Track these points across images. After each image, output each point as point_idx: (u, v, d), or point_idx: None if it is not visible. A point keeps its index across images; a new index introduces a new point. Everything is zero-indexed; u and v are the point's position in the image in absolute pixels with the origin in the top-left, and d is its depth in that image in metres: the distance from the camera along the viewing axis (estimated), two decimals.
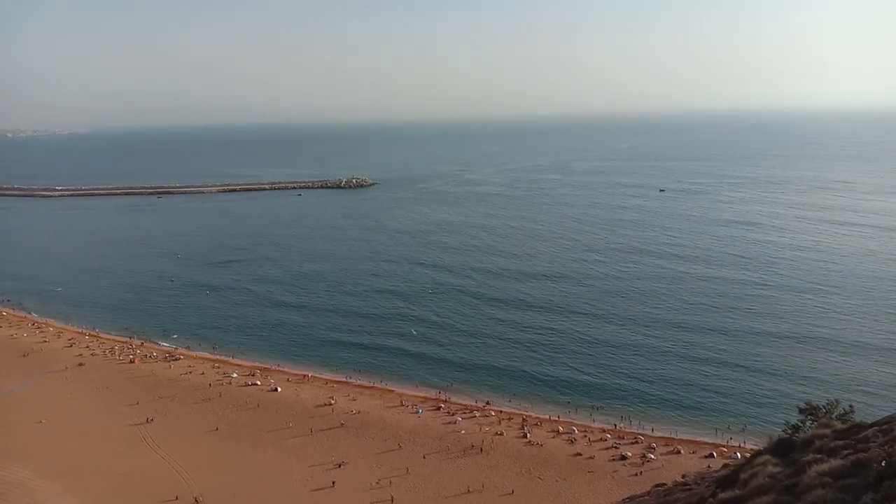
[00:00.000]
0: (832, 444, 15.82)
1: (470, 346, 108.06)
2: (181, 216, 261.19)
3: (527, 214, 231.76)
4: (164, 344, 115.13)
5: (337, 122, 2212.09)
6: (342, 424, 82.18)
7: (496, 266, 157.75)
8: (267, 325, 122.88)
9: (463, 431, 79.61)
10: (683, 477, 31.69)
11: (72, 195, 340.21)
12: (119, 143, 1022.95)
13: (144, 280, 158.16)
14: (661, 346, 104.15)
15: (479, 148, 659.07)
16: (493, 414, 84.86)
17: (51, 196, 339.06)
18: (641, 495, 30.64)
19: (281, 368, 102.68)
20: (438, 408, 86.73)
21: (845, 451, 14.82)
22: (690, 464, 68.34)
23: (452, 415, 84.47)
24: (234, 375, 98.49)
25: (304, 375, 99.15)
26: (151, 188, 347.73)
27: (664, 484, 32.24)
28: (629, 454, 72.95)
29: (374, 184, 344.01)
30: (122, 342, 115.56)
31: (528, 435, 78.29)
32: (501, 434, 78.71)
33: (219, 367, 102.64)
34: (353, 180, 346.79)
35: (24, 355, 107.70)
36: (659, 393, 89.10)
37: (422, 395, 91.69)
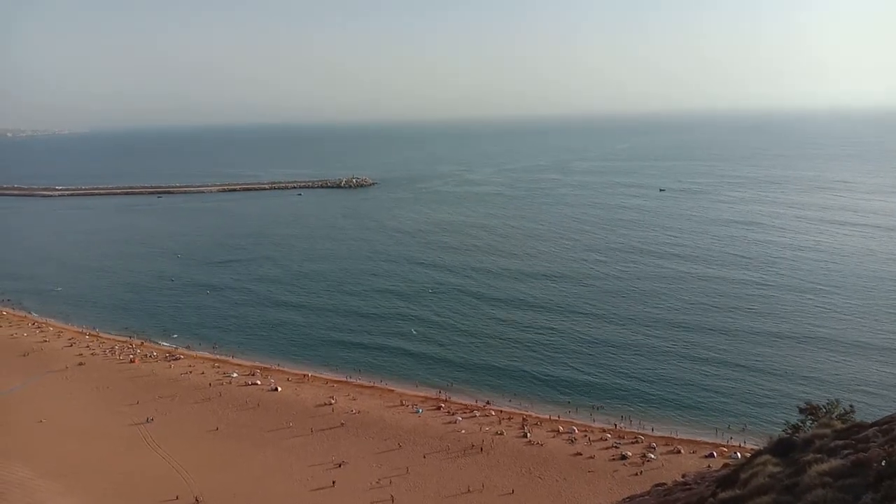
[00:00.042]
0: (832, 444, 15.83)
1: (470, 346, 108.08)
2: (181, 216, 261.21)
3: (527, 214, 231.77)
4: (165, 343, 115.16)
5: (337, 122, 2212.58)
6: (342, 424, 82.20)
7: (496, 266, 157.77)
8: (267, 325, 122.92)
9: (463, 431, 79.63)
10: (683, 476, 31.71)
11: (72, 195, 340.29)
12: (119, 143, 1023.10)
13: (144, 280, 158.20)
14: (662, 345, 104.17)
15: (478, 148, 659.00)
16: (493, 413, 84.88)
17: (51, 196, 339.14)
18: (641, 495, 30.66)
19: (281, 368, 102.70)
20: (438, 407, 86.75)
21: (845, 451, 14.83)
22: (690, 463, 68.37)
23: (453, 414, 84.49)
24: (235, 375, 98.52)
25: (305, 375, 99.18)
26: (151, 188, 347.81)
27: (664, 484, 32.26)
28: (629, 454, 72.97)
29: (374, 184, 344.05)
30: (123, 342, 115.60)
31: (529, 434, 78.31)
32: (502, 434, 78.74)
33: (219, 367, 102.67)
34: (354, 180, 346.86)
35: (24, 355, 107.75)
36: (659, 393, 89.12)
37: (422, 394, 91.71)
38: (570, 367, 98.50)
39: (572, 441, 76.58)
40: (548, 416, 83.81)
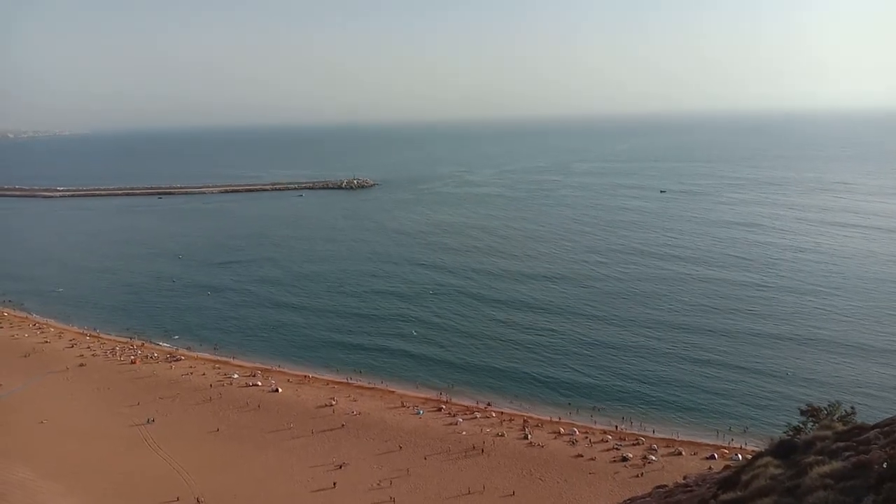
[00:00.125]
0: (833, 446, 15.87)
1: (471, 348, 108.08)
2: (182, 217, 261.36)
3: (527, 216, 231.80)
4: (165, 345, 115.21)
5: (337, 122, 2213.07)
6: (343, 425, 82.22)
7: (497, 267, 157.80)
8: (268, 326, 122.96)
9: (464, 433, 79.63)
10: (685, 478, 31.74)
11: (73, 196, 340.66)
12: (120, 144, 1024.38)
13: (145, 281, 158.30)
14: (663, 347, 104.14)
15: (478, 149, 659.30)
16: (494, 415, 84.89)
17: (52, 197, 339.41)
18: (642, 497, 30.68)
19: (282, 369, 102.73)
20: (439, 409, 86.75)
21: (847, 453, 14.87)
22: (692, 465, 68.36)
23: (453, 416, 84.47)
24: (235, 376, 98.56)
25: (305, 376, 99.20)
26: (152, 189, 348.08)
27: (665, 485, 32.28)
28: (630, 455, 72.96)
29: (374, 185, 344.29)
30: (123, 343, 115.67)
31: (530, 436, 78.31)
32: (502, 435, 78.73)
33: (220, 368, 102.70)
34: (355, 181, 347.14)
35: (25, 356, 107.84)
36: (660, 394, 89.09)
37: (423, 396, 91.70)
38: (571, 368, 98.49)
39: (573, 443, 76.57)
40: (549, 418, 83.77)
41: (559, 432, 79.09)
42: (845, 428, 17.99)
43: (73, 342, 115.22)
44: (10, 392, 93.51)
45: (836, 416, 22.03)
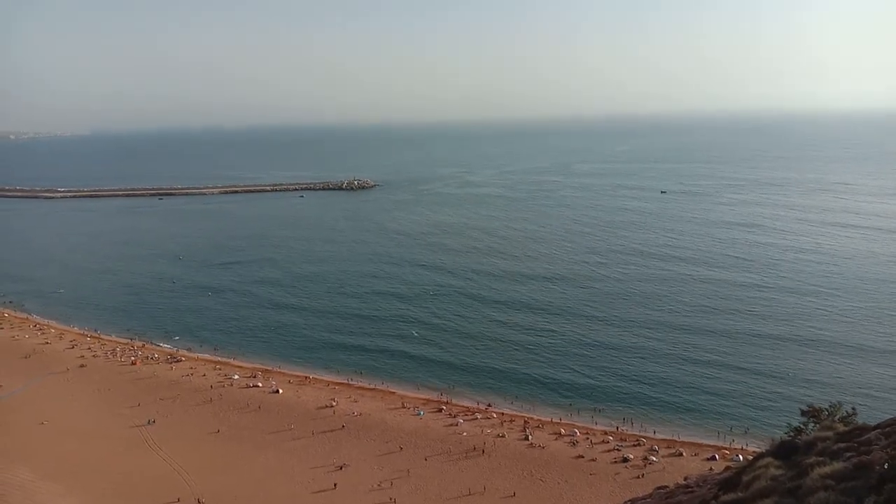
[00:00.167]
0: (835, 447, 15.87)
1: (471, 349, 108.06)
2: (182, 218, 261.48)
3: (528, 216, 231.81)
4: (166, 346, 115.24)
5: (337, 123, 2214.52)
6: (343, 426, 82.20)
7: (497, 268, 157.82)
8: (268, 327, 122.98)
9: (464, 433, 79.60)
10: (685, 479, 31.73)
11: (74, 197, 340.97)
12: (120, 145, 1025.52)
13: (146, 282, 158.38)
14: (663, 348, 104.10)
15: (479, 150, 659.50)
16: (494, 416, 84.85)
17: (53, 198, 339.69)
18: (643, 497, 30.66)
19: (282, 370, 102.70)
20: (440, 410, 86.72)
21: (848, 454, 14.87)
22: (693, 466, 68.27)
23: (454, 417, 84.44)
24: (236, 377, 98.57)
25: (306, 377, 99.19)
26: (153, 190, 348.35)
27: (666, 486, 32.28)
28: (631, 456, 72.91)
29: (375, 185, 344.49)
30: (124, 344, 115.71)
31: (530, 437, 78.26)
32: (503, 436, 78.69)
33: (220, 369, 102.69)
34: (355, 182, 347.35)
35: (25, 357, 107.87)
36: (661, 395, 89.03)
37: (423, 397, 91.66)
38: (572, 369, 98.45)
39: (574, 444, 76.51)
40: (549, 419, 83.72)
41: (560, 433, 79.05)
42: (846, 429, 17.99)
43: (73, 343, 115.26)
44: (10, 393, 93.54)
45: (837, 416, 22.04)
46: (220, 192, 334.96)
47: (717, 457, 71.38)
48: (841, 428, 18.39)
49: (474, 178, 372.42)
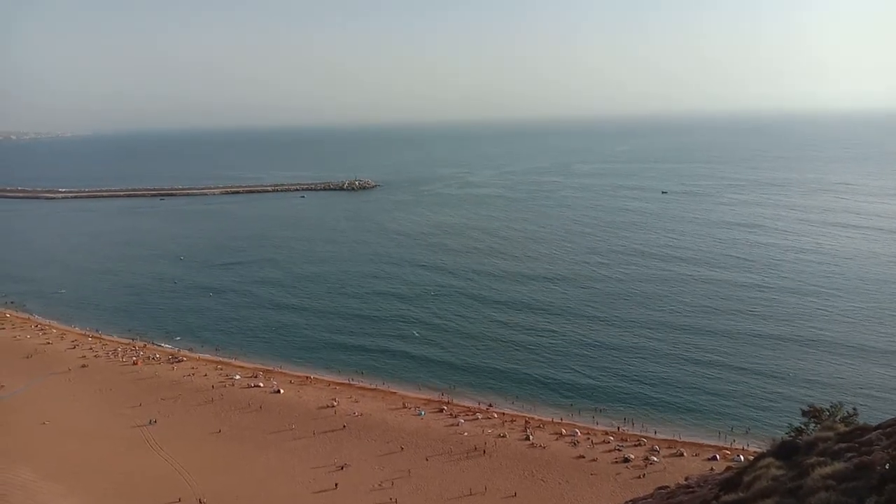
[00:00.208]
0: (836, 447, 15.94)
1: (472, 349, 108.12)
2: (183, 218, 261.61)
3: (528, 217, 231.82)
4: (167, 346, 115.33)
5: (337, 123, 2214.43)
6: (345, 426, 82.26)
7: (498, 268, 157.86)
8: (269, 327, 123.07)
9: (465, 434, 79.65)
10: (686, 479, 31.79)
11: (75, 197, 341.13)
12: (121, 146, 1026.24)
13: (147, 282, 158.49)
14: (664, 348, 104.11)
15: (479, 150, 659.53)
16: (495, 416, 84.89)
17: (54, 198, 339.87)
18: (644, 498, 30.73)
19: (283, 370, 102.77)
20: (441, 410, 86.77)
21: (849, 454, 14.94)
22: (693, 466, 68.28)
23: (455, 417, 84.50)
24: (237, 377, 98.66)
25: (307, 377, 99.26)
26: (154, 190, 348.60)
27: (667, 486, 32.35)
28: (632, 456, 72.93)
29: (375, 186, 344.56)
30: (125, 344, 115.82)
31: (531, 437, 78.29)
32: (504, 436, 78.74)
33: (221, 369, 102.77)
34: (356, 182, 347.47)
35: (27, 357, 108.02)
36: (662, 395, 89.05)
37: (424, 397, 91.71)
38: (573, 369, 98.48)
39: (575, 444, 76.54)
40: (550, 419, 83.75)
41: (561, 433, 79.08)
42: (847, 429, 18.06)
43: (75, 343, 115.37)
44: (12, 393, 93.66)
45: (838, 417, 22.10)
46: (222, 193, 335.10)
47: (718, 457, 71.39)
48: (842, 428, 18.46)
49: (474, 179, 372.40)
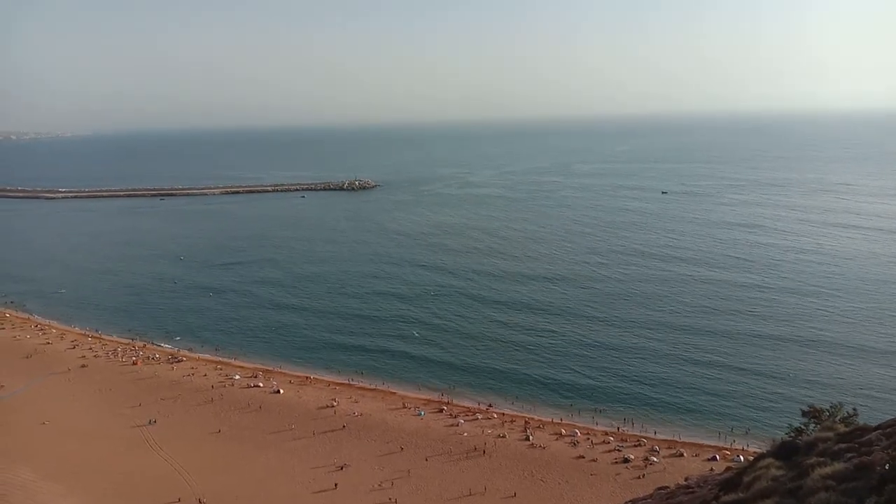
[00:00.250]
0: (835, 448, 15.92)
1: (472, 349, 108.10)
2: (183, 218, 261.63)
3: (528, 217, 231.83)
4: (167, 346, 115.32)
5: (337, 123, 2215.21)
6: (344, 426, 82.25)
7: (498, 268, 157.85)
8: (269, 328, 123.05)
9: (465, 434, 79.63)
10: (686, 480, 31.77)
11: (75, 197, 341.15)
12: (121, 146, 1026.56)
13: (147, 282, 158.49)
14: (664, 348, 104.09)
15: (479, 150, 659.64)
16: (495, 416, 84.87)
17: (54, 198, 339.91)
18: (644, 498, 30.71)
19: (283, 370, 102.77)
20: (441, 410, 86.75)
21: (849, 455, 14.92)
22: (693, 466, 68.26)
23: (455, 417, 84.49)
24: (237, 377, 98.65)
25: (307, 377, 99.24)
26: (154, 190, 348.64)
27: (667, 487, 32.34)
28: (632, 457, 72.92)
29: (375, 186, 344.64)
30: (125, 344, 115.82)
31: (531, 437, 78.28)
32: (504, 436, 78.72)
33: (221, 369, 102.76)
34: (356, 182, 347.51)
35: (27, 357, 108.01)
36: (661, 396, 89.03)
37: (424, 397, 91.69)
38: (573, 369, 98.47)
39: (575, 444, 76.52)
40: (550, 419, 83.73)
41: (560, 433, 79.07)
42: (847, 429, 18.04)
43: (74, 343, 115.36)
44: (11, 393, 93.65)
45: (838, 417, 22.09)
46: (222, 193, 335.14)
47: (717, 457, 71.40)
48: (842, 429, 18.45)
49: (474, 179, 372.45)
